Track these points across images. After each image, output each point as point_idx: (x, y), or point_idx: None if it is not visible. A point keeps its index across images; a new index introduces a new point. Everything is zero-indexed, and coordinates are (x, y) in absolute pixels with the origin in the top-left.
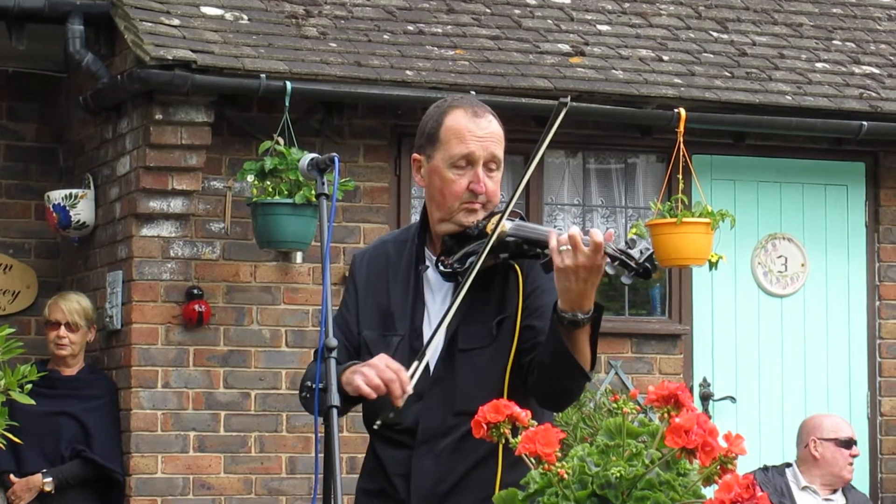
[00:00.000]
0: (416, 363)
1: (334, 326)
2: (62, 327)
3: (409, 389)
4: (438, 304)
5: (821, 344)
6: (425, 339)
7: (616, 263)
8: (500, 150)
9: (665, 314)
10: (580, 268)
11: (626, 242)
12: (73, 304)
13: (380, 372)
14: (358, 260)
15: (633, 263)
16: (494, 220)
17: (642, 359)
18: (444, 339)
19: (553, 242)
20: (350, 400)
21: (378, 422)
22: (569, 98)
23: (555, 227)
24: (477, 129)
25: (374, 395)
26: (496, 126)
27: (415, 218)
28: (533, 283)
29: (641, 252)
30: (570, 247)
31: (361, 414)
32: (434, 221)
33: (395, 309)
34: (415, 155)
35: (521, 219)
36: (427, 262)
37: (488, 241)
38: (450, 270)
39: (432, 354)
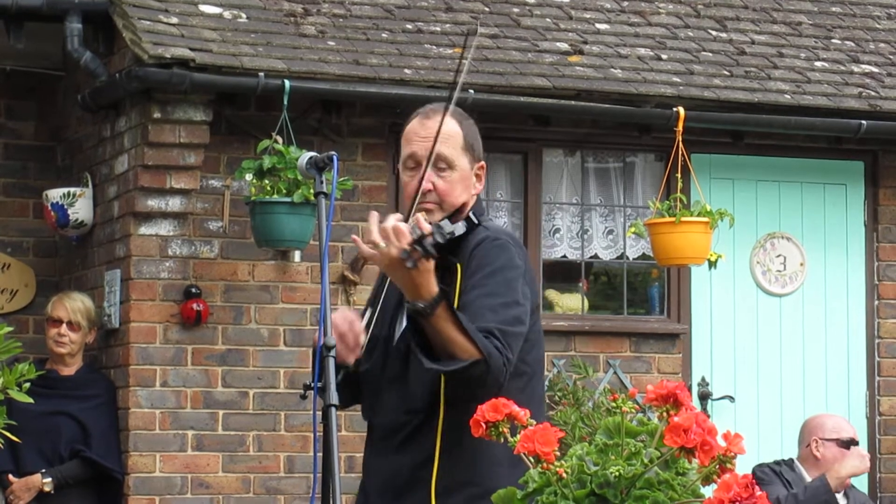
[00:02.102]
0: (368, 312)
1: None
2: (64, 325)
3: (362, 340)
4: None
5: (819, 343)
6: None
7: (416, 245)
8: (446, 149)
9: (664, 313)
10: (393, 261)
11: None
12: (77, 304)
13: (336, 326)
14: None
15: (419, 245)
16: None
17: (641, 358)
18: (398, 334)
19: (370, 236)
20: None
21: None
22: (478, 24)
23: (553, 226)
24: (421, 130)
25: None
26: (446, 125)
27: None
28: (468, 279)
29: (437, 233)
30: (382, 241)
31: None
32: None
33: (384, 302)
34: (398, 167)
35: (467, 222)
36: None
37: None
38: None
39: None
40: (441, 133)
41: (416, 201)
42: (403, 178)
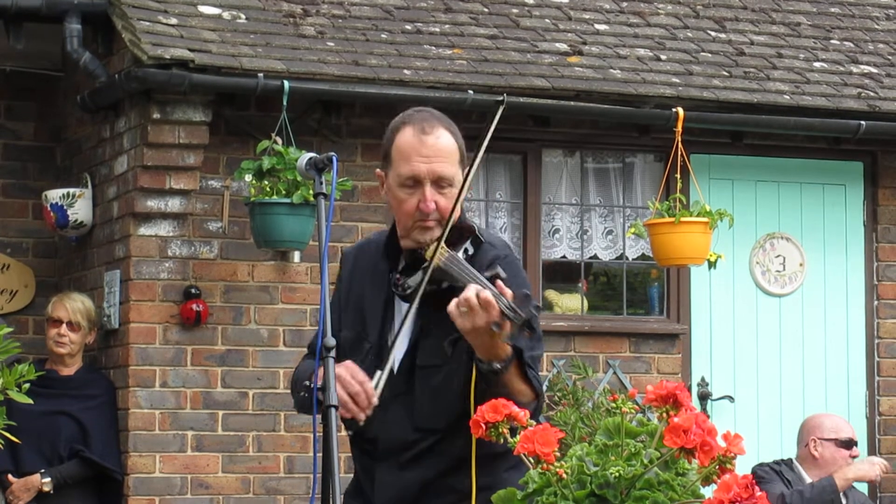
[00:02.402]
0: (378, 374)
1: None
2: (64, 325)
3: (374, 401)
4: (407, 317)
5: (819, 343)
6: (390, 347)
7: (506, 319)
8: (448, 168)
9: (663, 314)
10: (478, 328)
11: (517, 297)
12: (78, 304)
13: (346, 385)
14: (345, 256)
15: (511, 315)
16: (432, 248)
17: (640, 358)
18: (404, 352)
19: (452, 307)
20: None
21: (348, 431)
22: (504, 96)
23: (552, 226)
24: (422, 148)
25: (346, 415)
26: (445, 141)
27: None
28: None
29: (523, 303)
30: (466, 309)
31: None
32: (399, 236)
33: (368, 314)
34: (377, 171)
35: (472, 241)
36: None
37: (425, 276)
38: (402, 294)
39: (394, 364)
40: (441, 152)
41: (445, 225)
42: (398, 195)
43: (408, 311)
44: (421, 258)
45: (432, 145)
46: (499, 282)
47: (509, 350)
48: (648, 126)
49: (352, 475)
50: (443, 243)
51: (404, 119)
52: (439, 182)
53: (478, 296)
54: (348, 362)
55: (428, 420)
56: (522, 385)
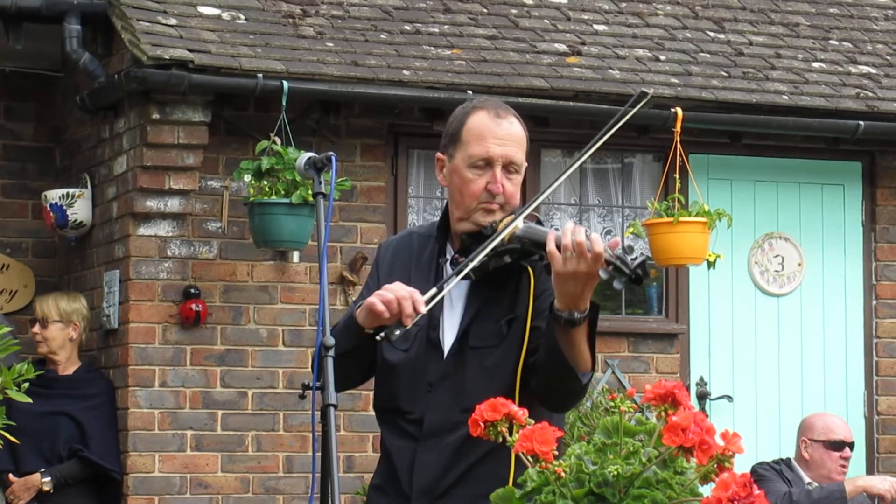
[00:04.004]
0: (434, 290)
1: (352, 310)
2: (37, 324)
3: (423, 310)
4: (455, 298)
5: (817, 343)
6: (441, 334)
7: (611, 268)
8: (520, 154)
9: (662, 313)
10: (579, 273)
11: (623, 248)
12: (49, 301)
13: (394, 290)
14: (384, 248)
15: (626, 270)
16: (507, 219)
17: (639, 358)
18: (455, 335)
19: (551, 245)
20: (361, 347)
21: (382, 333)
22: (651, 91)
23: (552, 227)
24: (498, 130)
25: (386, 314)
26: (518, 128)
27: (412, 217)
28: (543, 284)
29: (636, 258)
30: (573, 252)
31: (373, 402)
32: (454, 220)
33: None
34: (438, 154)
35: (538, 222)
36: (447, 256)
37: (494, 237)
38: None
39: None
40: (514, 137)
41: (527, 207)
42: (466, 175)
43: (463, 266)
44: (484, 237)
45: (507, 129)
46: (615, 239)
47: (588, 304)
48: (647, 126)
49: (351, 475)
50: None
51: (476, 104)
52: (509, 167)
53: (588, 238)
54: (395, 281)
55: (478, 401)
56: (586, 348)
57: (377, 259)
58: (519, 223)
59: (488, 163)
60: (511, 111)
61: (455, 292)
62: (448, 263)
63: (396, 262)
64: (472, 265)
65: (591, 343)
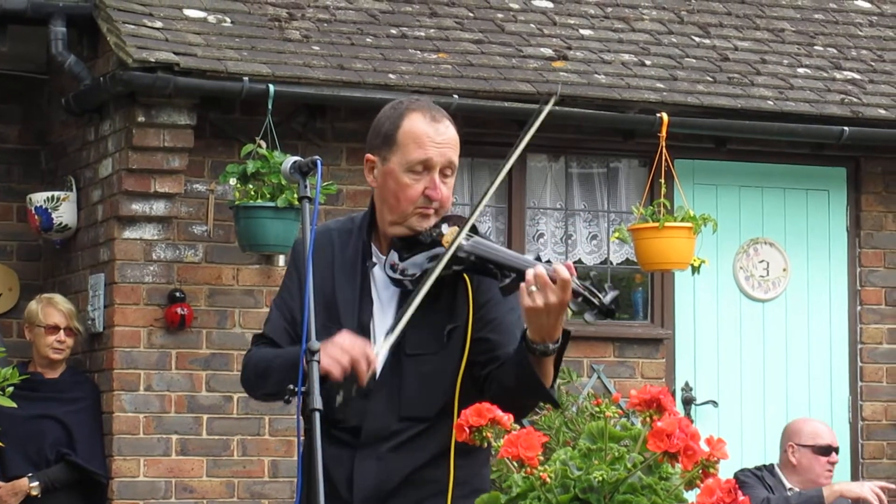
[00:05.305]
0: (383, 343)
1: (275, 312)
2: (62, 331)
3: (378, 367)
4: (385, 303)
5: (802, 348)
6: (372, 337)
7: (580, 300)
8: (456, 157)
9: (647, 318)
10: (551, 305)
11: (591, 279)
12: (70, 308)
13: (348, 349)
14: (300, 245)
15: (596, 302)
16: (451, 232)
17: (624, 363)
18: (377, 338)
19: (524, 283)
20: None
21: (339, 399)
22: (559, 87)
23: (537, 231)
24: (436, 135)
25: (340, 377)
26: (453, 132)
27: None
28: (484, 294)
29: (606, 291)
30: (537, 287)
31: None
32: (384, 223)
33: (341, 302)
34: (368, 155)
35: (479, 233)
36: (374, 260)
37: (443, 257)
38: (400, 278)
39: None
40: (451, 140)
41: (469, 220)
42: (403, 180)
43: (415, 294)
44: (419, 243)
45: (444, 133)
46: (569, 263)
47: (560, 333)
48: (633, 131)
49: None
50: (464, 228)
51: (408, 105)
52: (445, 170)
53: (555, 273)
54: (343, 332)
55: (415, 409)
56: (552, 370)
57: (294, 258)
58: (467, 240)
59: (427, 167)
60: (444, 112)
61: (385, 296)
62: (386, 269)
63: (316, 261)
64: (426, 287)
65: (557, 364)
